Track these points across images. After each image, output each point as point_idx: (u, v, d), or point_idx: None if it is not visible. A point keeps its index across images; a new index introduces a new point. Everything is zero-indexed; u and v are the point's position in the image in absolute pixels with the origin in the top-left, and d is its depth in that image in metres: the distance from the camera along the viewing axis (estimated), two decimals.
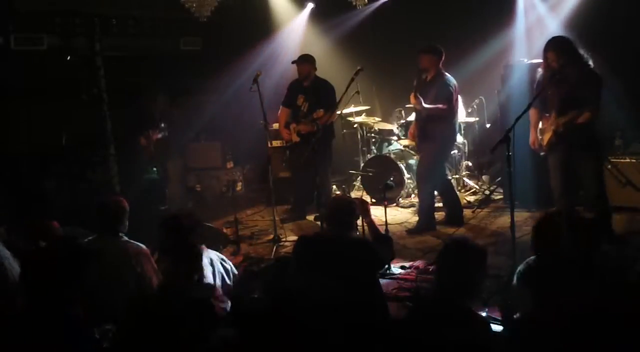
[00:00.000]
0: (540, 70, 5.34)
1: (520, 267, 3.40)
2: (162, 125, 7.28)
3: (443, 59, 6.22)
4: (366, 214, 4.18)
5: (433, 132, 6.27)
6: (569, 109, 5.11)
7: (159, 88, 7.41)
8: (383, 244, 4.07)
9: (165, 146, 7.34)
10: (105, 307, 3.45)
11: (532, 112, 5.29)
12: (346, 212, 3.93)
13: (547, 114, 5.32)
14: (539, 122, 5.41)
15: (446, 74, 6.25)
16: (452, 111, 6.25)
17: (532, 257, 3.38)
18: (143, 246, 4.09)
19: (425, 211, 6.46)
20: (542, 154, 5.50)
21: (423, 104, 6.05)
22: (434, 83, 6.21)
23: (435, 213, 6.63)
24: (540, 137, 5.43)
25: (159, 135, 7.22)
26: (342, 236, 3.86)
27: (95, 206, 4.16)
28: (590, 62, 5.11)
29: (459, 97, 7.89)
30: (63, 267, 2.79)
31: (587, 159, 5.22)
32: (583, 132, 5.11)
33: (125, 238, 4.11)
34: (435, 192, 6.67)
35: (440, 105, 6.10)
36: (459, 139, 7.87)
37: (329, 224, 4.04)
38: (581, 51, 5.10)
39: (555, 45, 5.11)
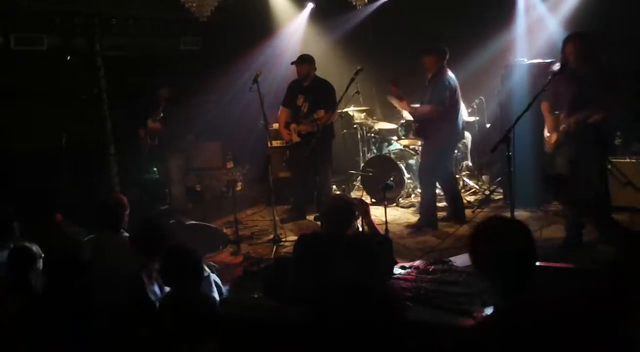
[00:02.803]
0: (556, 66, 5.17)
1: None
2: (162, 115, 7.28)
3: (446, 57, 6.22)
4: (366, 215, 4.19)
5: (432, 131, 6.28)
6: (581, 108, 5.01)
7: (165, 82, 7.45)
8: (381, 245, 4.08)
9: (164, 137, 7.34)
10: (110, 301, 3.49)
11: (544, 106, 5.28)
12: (345, 212, 3.94)
13: (557, 112, 5.24)
14: (551, 115, 5.30)
15: (446, 73, 6.24)
16: (446, 111, 6.22)
17: None
18: None
19: (426, 207, 6.47)
20: (548, 152, 5.44)
21: (407, 105, 6.16)
22: (431, 83, 6.24)
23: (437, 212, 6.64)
24: (548, 135, 5.35)
25: (156, 124, 7.21)
26: (341, 236, 3.87)
27: (96, 204, 4.23)
28: (607, 62, 5.05)
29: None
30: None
31: (593, 157, 5.15)
32: (592, 130, 5.03)
33: (126, 234, 4.19)
34: (438, 189, 6.70)
35: (428, 107, 6.13)
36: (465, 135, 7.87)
37: (327, 224, 4.04)
38: (599, 50, 5.04)
39: (575, 39, 5.02)
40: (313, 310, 2.92)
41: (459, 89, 6.36)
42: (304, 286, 3.63)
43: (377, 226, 4.23)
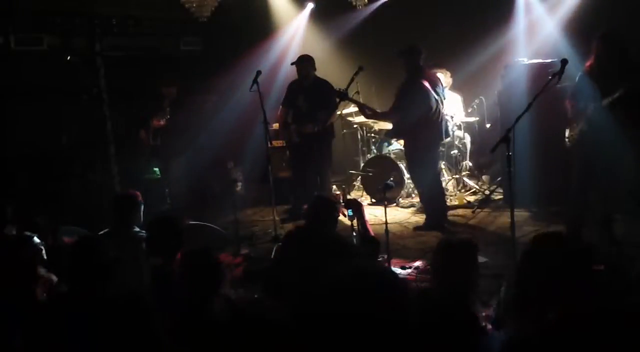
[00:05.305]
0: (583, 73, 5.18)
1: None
2: (168, 109, 7.26)
3: (421, 56, 6.22)
4: (361, 216, 4.29)
5: (414, 134, 6.27)
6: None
7: (168, 81, 7.45)
8: (367, 245, 4.19)
9: (168, 135, 7.33)
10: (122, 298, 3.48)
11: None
12: (326, 210, 4.09)
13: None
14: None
15: (416, 78, 6.18)
16: (413, 113, 6.16)
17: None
18: None
19: (431, 208, 6.47)
20: (568, 145, 5.42)
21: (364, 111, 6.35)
22: (408, 84, 6.24)
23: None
24: (568, 129, 5.35)
25: (162, 122, 7.20)
26: (321, 232, 4.01)
27: (112, 200, 4.23)
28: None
29: (457, 96, 7.88)
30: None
31: (616, 152, 5.07)
32: (615, 124, 4.97)
33: (138, 229, 4.20)
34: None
35: (390, 112, 6.26)
36: (462, 136, 7.87)
37: (309, 220, 4.14)
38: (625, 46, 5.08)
39: (607, 38, 5.06)
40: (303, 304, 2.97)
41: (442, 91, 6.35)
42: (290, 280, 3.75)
43: (370, 227, 4.33)
